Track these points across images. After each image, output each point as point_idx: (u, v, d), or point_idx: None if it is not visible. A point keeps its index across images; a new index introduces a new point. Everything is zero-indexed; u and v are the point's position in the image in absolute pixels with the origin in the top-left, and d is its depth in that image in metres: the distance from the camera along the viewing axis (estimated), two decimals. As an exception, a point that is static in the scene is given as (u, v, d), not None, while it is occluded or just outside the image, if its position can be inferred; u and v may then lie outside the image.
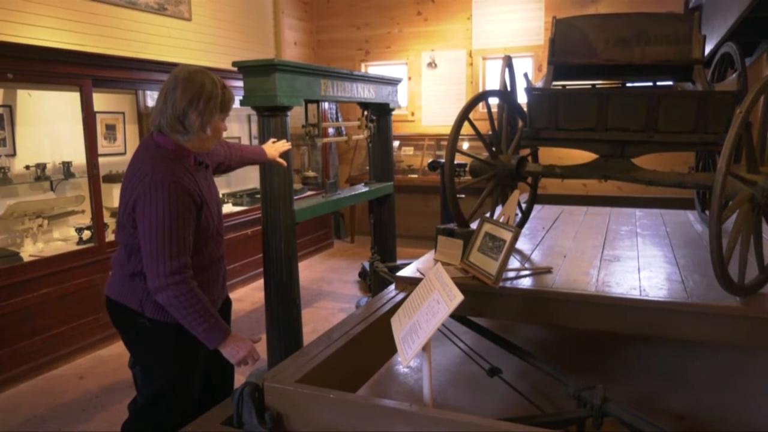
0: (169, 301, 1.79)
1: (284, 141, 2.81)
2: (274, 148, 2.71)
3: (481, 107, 4.04)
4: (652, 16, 3.28)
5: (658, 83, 3.59)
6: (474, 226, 2.92)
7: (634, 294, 2.42)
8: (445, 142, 5.14)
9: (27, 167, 3.87)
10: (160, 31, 5.06)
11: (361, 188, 4.23)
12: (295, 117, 3.26)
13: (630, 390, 3.12)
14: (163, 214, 1.76)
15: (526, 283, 2.63)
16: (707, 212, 3.84)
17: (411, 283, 2.67)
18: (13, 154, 3.83)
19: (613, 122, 2.88)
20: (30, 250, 3.78)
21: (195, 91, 1.82)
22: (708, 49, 3.99)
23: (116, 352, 3.80)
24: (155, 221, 1.76)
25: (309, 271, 5.84)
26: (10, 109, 3.80)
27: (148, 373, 2.00)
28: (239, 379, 3.38)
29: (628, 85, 3.63)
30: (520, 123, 3.26)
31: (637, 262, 2.95)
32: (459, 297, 1.54)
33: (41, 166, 3.86)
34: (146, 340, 1.96)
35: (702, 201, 4.15)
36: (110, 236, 3.89)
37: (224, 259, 2.11)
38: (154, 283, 1.79)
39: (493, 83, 6.67)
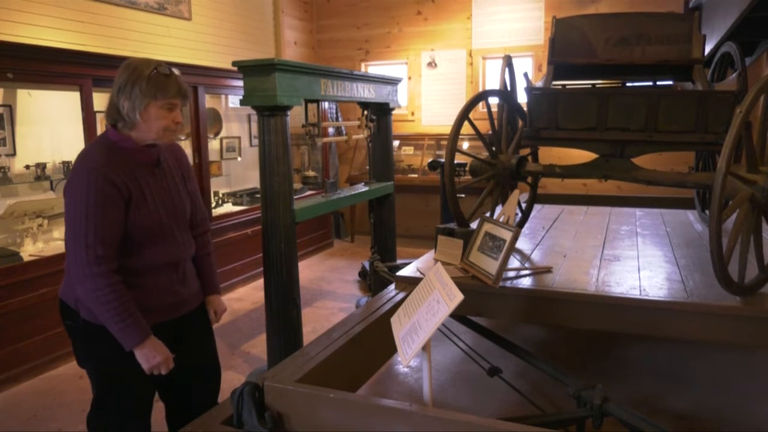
0: (86, 294, 1.73)
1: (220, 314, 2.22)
2: (215, 308, 2.17)
3: (481, 107, 4.03)
4: (652, 15, 3.27)
5: (658, 83, 3.59)
6: (474, 225, 2.91)
7: (634, 294, 2.42)
8: (445, 142, 5.14)
9: (27, 167, 3.87)
10: (160, 30, 5.06)
11: (361, 188, 4.23)
12: (295, 117, 3.26)
13: (630, 390, 3.12)
14: (80, 201, 1.71)
15: (526, 282, 2.63)
16: (707, 212, 3.85)
17: (411, 283, 2.67)
18: (13, 154, 3.83)
19: (613, 122, 2.88)
20: (30, 250, 3.78)
21: (126, 76, 1.77)
22: (708, 48, 3.99)
23: (116, 351, 3.80)
24: (72, 208, 1.72)
25: (309, 270, 5.84)
26: (10, 108, 3.80)
27: (89, 376, 1.93)
28: (239, 379, 3.39)
29: (628, 84, 3.63)
30: (520, 123, 3.26)
31: (637, 262, 2.95)
32: (459, 297, 1.54)
33: (41, 166, 3.86)
34: (81, 341, 1.90)
35: (702, 201, 4.15)
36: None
37: (180, 267, 1.97)
38: (73, 273, 1.74)
39: (493, 83, 6.67)
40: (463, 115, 2.94)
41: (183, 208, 1.99)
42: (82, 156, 1.81)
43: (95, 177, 1.72)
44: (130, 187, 1.79)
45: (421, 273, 2.78)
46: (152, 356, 1.80)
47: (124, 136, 1.83)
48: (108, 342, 1.79)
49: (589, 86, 3.55)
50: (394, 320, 1.82)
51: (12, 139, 3.81)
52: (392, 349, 1.91)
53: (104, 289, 1.72)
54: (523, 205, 3.80)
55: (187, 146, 5.13)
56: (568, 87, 3.51)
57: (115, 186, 1.75)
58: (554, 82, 3.26)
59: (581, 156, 3.09)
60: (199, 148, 4.78)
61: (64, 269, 1.90)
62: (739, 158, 2.74)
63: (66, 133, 4.10)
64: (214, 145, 5.47)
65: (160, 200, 1.89)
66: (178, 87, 1.84)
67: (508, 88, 3.30)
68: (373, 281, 4.25)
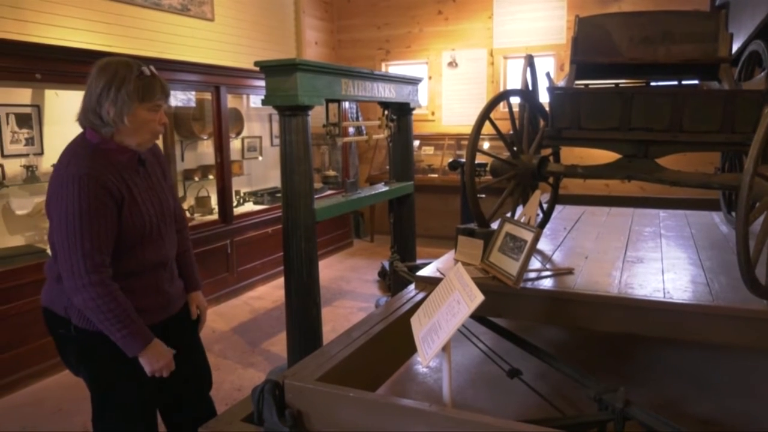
0: (85, 303, 1.68)
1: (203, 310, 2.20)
2: (198, 304, 2.16)
3: (502, 107, 4.01)
4: (678, 13, 3.22)
5: (684, 82, 3.54)
6: (495, 226, 2.90)
7: (658, 296, 2.39)
8: (465, 142, 5.12)
9: (54, 166, 3.94)
10: (184, 31, 5.12)
11: (381, 188, 4.24)
12: (316, 116, 3.27)
13: (653, 393, 3.08)
14: (74, 209, 1.65)
15: (547, 284, 2.61)
16: (733, 213, 3.77)
17: (431, 283, 2.66)
18: (41, 153, 3.91)
19: (636, 122, 2.84)
20: (56, 247, 3.84)
21: (107, 80, 1.73)
22: (735, 47, 3.92)
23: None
24: (65, 216, 1.66)
25: (329, 270, 5.87)
26: (38, 108, 3.88)
27: (87, 383, 1.88)
28: (260, 376, 3.42)
29: (653, 84, 3.58)
30: (542, 122, 3.24)
31: (661, 264, 2.91)
32: (479, 297, 1.54)
33: (67, 165, 3.92)
34: (75, 350, 1.84)
35: (728, 202, 4.07)
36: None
37: (168, 266, 1.95)
38: (69, 284, 1.68)
39: (514, 82, 6.63)
40: (484, 115, 2.92)
41: (169, 205, 1.96)
42: (65, 162, 1.74)
43: (87, 182, 1.67)
44: (122, 190, 1.76)
45: (441, 273, 2.77)
46: (155, 360, 1.78)
47: (105, 138, 1.78)
48: (106, 346, 1.76)
49: (613, 86, 3.51)
50: (414, 320, 1.82)
51: (40, 139, 3.88)
52: (412, 349, 1.91)
53: (104, 298, 1.68)
54: (545, 206, 3.77)
55: (209, 146, 5.19)
56: (590, 86, 3.47)
57: (108, 190, 1.71)
58: (577, 82, 3.23)
59: (604, 156, 3.06)
60: (221, 147, 4.83)
61: (46, 277, 1.87)
62: (767, 159, 2.69)
63: (92, 133, 4.16)
64: (235, 144, 5.53)
65: (149, 200, 1.86)
66: (162, 87, 1.81)
67: (530, 88, 3.28)
68: (392, 281, 4.25)
